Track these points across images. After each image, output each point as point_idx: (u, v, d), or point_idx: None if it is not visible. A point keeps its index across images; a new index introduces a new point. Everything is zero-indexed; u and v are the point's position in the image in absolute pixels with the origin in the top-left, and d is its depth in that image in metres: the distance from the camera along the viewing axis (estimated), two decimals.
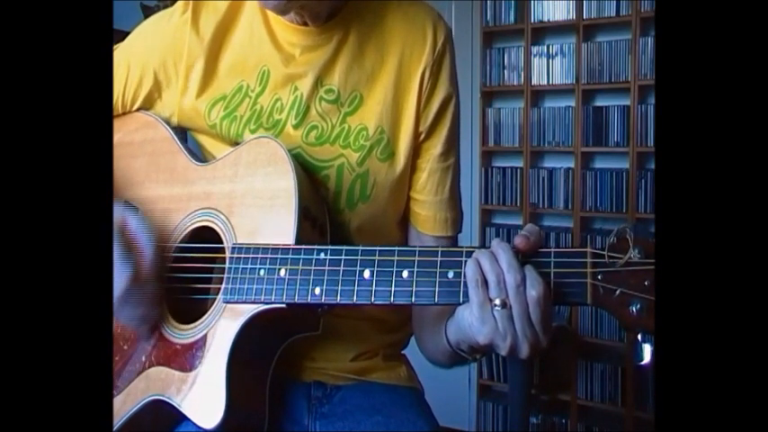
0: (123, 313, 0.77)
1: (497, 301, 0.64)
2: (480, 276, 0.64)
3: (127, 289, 0.75)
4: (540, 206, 2.87)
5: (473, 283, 0.65)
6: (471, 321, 0.66)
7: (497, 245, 0.66)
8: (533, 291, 0.63)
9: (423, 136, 0.87)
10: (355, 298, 0.70)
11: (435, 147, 0.87)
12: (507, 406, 2.83)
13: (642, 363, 0.63)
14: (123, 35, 0.94)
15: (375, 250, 0.70)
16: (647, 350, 0.63)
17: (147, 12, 2.72)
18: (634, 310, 0.62)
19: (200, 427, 0.74)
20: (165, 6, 0.91)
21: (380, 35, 0.86)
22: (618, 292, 0.63)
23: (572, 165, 2.82)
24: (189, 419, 0.75)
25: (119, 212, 0.79)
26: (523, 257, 0.65)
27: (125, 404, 0.81)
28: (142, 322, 0.80)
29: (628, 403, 2.65)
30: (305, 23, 0.84)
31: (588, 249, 0.64)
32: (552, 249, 0.65)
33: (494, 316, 0.64)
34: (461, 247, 0.68)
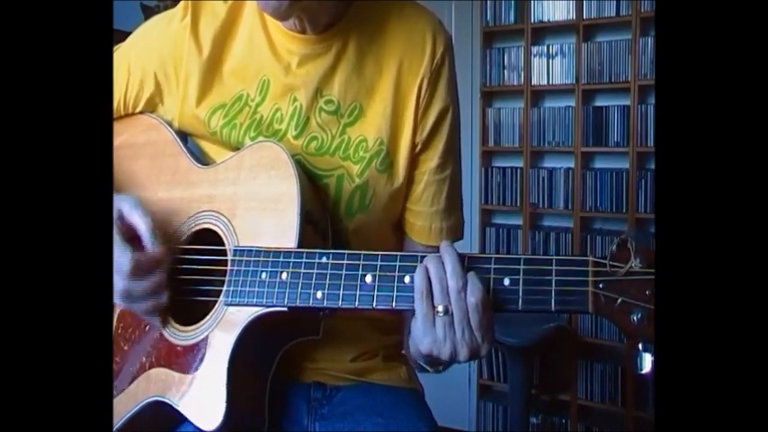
0: (132, 300, 0.77)
1: (440, 308, 0.67)
2: (426, 287, 0.67)
3: (133, 274, 0.75)
4: (540, 206, 2.87)
5: (419, 295, 0.67)
6: (415, 330, 0.69)
7: (445, 249, 0.68)
8: (473, 297, 0.65)
9: (419, 147, 0.86)
10: (357, 302, 0.70)
11: (432, 159, 0.87)
12: (507, 406, 2.83)
13: (643, 372, 0.63)
14: (123, 35, 0.94)
15: (377, 255, 0.71)
16: (648, 359, 0.63)
17: (148, 12, 2.72)
18: (635, 318, 0.63)
19: (199, 429, 0.74)
20: (166, 7, 0.91)
21: (380, 45, 0.86)
22: (619, 300, 0.63)
23: (572, 165, 2.82)
24: (189, 421, 0.75)
25: (117, 202, 0.79)
26: (468, 263, 0.67)
27: (125, 405, 0.81)
28: (151, 309, 0.79)
29: (628, 403, 2.65)
30: (303, 30, 0.83)
31: (590, 258, 0.65)
32: (554, 257, 0.66)
33: (435, 325, 0.67)
34: (465, 254, 0.69)
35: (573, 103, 2.79)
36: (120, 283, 0.76)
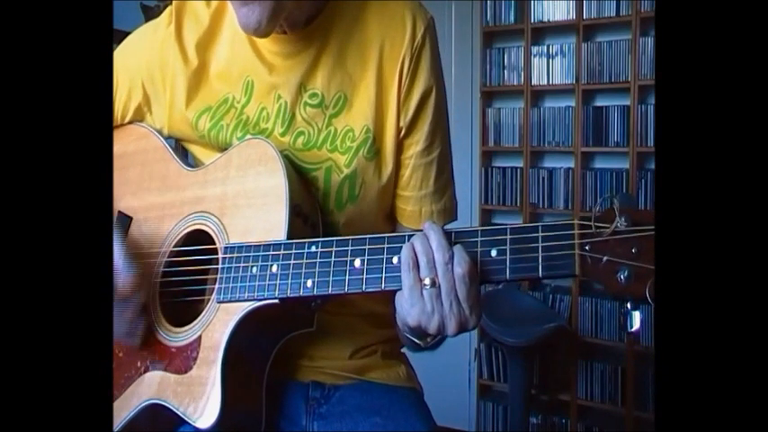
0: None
1: (427, 281, 0.67)
2: (413, 260, 0.67)
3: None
4: (540, 206, 2.87)
5: (405, 266, 0.67)
6: (402, 303, 0.69)
7: (429, 227, 0.69)
8: (459, 268, 0.65)
9: (403, 131, 0.85)
10: (347, 288, 0.70)
11: (418, 143, 0.86)
12: (507, 406, 2.83)
13: (632, 330, 0.64)
14: (123, 35, 0.94)
15: (365, 239, 0.71)
16: (637, 317, 0.64)
17: (147, 12, 2.72)
18: (622, 277, 0.63)
19: (198, 429, 0.74)
20: (166, 7, 0.91)
21: (361, 33, 0.85)
22: (604, 260, 0.63)
23: (572, 165, 2.82)
24: (187, 422, 0.75)
25: None
26: (455, 238, 0.68)
27: (122, 410, 0.81)
28: (130, 334, 0.80)
29: (628, 403, 2.65)
30: (284, 31, 0.84)
31: (575, 221, 0.65)
32: (540, 224, 0.66)
33: (422, 296, 0.67)
34: (451, 229, 0.69)
35: (573, 103, 2.79)
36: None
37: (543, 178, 2.86)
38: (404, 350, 0.98)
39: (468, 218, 2.93)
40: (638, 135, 2.65)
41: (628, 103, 2.68)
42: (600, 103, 2.80)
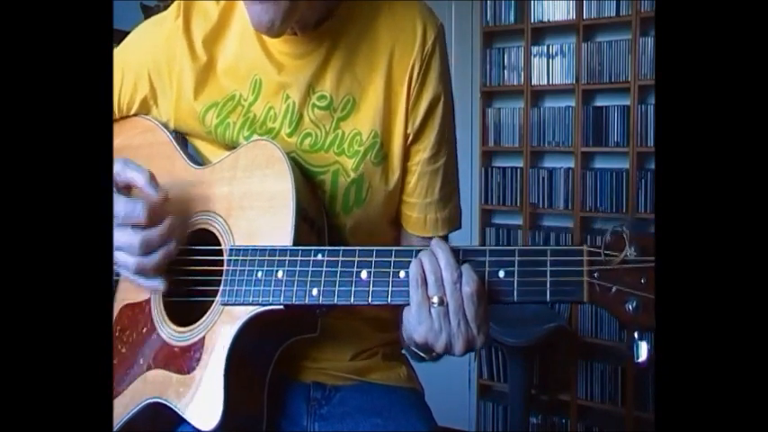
0: (150, 251, 0.75)
1: (435, 299, 0.67)
2: (421, 276, 0.67)
3: (148, 224, 0.74)
4: (540, 206, 2.87)
5: (414, 283, 0.67)
6: (409, 319, 0.69)
7: (436, 244, 0.68)
8: (467, 287, 0.65)
9: (411, 138, 0.85)
10: (353, 299, 0.70)
11: (425, 150, 0.86)
12: (507, 406, 2.83)
13: (639, 360, 0.63)
14: (123, 35, 0.94)
15: (372, 251, 0.71)
16: (644, 348, 0.63)
17: (147, 12, 2.72)
18: (630, 307, 0.63)
19: (198, 430, 0.74)
20: (166, 7, 0.91)
21: (371, 37, 0.85)
22: (614, 289, 0.63)
23: (572, 165, 2.82)
24: (187, 422, 0.75)
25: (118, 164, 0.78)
26: (462, 256, 0.67)
27: (123, 407, 0.81)
28: (163, 259, 0.77)
29: (628, 403, 2.65)
30: (294, 32, 0.83)
31: (584, 248, 0.64)
32: (548, 248, 0.66)
33: (431, 314, 0.67)
34: (459, 247, 0.69)
35: (573, 103, 2.79)
36: (135, 237, 0.74)
37: (543, 178, 2.86)
38: (404, 351, 0.98)
39: (468, 218, 2.93)
40: (638, 135, 2.65)
41: (628, 103, 2.68)
42: (600, 103, 2.80)
